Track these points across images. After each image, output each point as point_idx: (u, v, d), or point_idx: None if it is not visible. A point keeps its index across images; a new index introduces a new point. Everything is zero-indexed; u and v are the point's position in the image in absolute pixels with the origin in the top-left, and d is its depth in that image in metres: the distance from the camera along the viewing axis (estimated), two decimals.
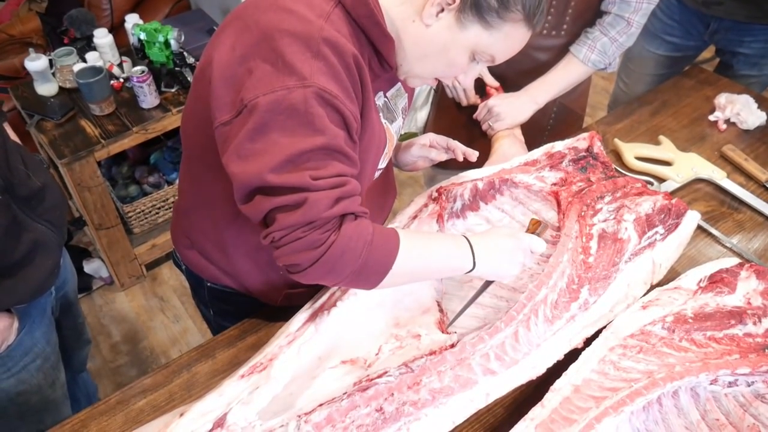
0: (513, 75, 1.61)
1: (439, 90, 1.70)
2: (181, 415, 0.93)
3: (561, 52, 1.54)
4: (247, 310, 1.20)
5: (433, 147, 1.25)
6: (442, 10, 0.89)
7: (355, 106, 0.88)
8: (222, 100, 0.86)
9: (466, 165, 1.28)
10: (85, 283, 2.52)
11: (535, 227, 1.10)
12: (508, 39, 0.93)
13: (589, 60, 1.47)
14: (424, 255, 0.96)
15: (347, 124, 0.87)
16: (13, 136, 1.34)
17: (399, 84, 1.10)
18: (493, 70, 1.62)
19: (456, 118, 1.66)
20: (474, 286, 1.20)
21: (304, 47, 0.82)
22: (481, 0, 0.87)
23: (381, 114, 1.03)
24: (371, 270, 0.90)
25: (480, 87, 1.62)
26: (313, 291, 1.11)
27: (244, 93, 0.83)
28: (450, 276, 1.13)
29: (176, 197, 1.15)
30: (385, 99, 1.05)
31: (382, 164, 1.09)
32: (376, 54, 0.94)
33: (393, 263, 0.91)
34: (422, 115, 1.77)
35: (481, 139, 1.57)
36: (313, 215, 0.82)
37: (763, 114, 1.61)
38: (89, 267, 2.52)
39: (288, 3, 0.87)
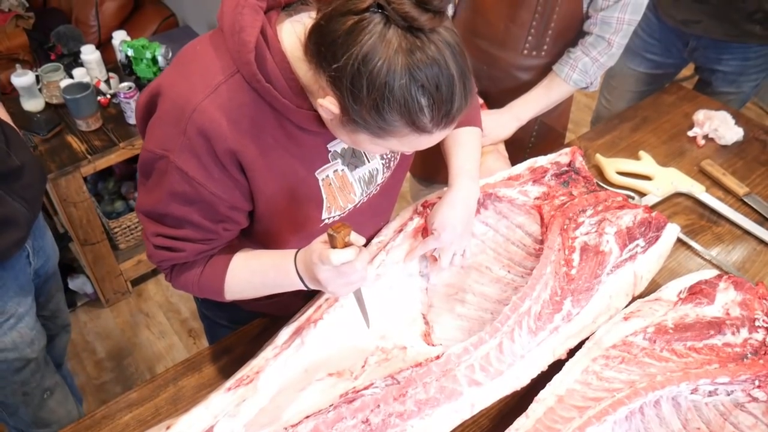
0: (496, 93, 1.64)
1: None
2: (168, 428, 0.93)
3: (543, 72, 1.57)
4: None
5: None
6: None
7: (221, 186, 0.89)
8: None
9: None
10: (70, 300, 2.50)
11: (332, 240, 0.87)
12: (407, 144, 0.83)
13: (571, 79, 1.50)
14: (251, 283, 1.00)
15: (206, 200, 0.90)
16: (3, 114, 1.37)
17: None
18: (477, 88, 1.65)
19: None
20: (459, 299, 1.21)
21: (175, 120, 0.85)
22: (358, 119, 0.78)
23: (339, 161, 0.98)
24: (208, 293, 1.02)
25: None
26: (293, 298, 1.13)
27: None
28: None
29: None
30: None
31: (335, 213, 1.03)
32: None
33: (223, 291, 1.00)
34: None
35: None
36: (150, 258, 1.00)
37: (741, 130, 1.65)
38: (74, 283, 2.51)
39: (191, 64, 0.88)
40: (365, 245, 1.19)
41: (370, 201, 1.10)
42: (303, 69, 0.84)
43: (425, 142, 0.83)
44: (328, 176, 0.98)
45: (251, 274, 0.99)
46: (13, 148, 1.27)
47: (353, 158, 1.00)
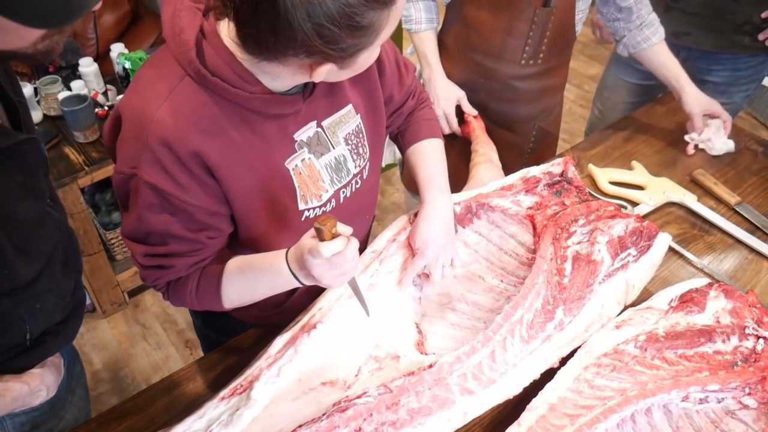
0: (494, 104, 1.66)
1: None
2: None
3: (539, 79, 1.59)
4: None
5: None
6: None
7: (192, 193, 0.90)
8: None
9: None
10: None
11: (320, 233, 0.87)
12: (393, 21, 0.83)
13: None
14: (247, 288, 1.01)
15: (182, 210, 0.91)
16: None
17: (349, 107, 1.05)
18: (474, 100, 1.67)
19: None
20: (452, 309, 1.22)
21: (136, 136, 0.86)
22: (353, 53, 0.81)
23: (305, 149, 0.99)
24: (207, 305, 1.03)
25: (459, 114, 1.67)
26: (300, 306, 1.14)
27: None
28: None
29: None
30: (318, 129, 1.01)
31: (313, 203, 1.03)
32: None
33: (221, 300, 1.01)
34: None
35: (459, 165, 1.61)
36: (144, 280, 1.02)
37: (731, 141, 1.67)
38: None
39: (142, 81, 0.90)
40: (360, 248, 1.21)
41: (354, 195, 1.11)
42: (246, 57, 0.85)
43: (400, 4, 0.82)
44: (297, 165, 0.99)
45: (245, 279, 1.00)
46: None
47: (318, 146, 1.01)
